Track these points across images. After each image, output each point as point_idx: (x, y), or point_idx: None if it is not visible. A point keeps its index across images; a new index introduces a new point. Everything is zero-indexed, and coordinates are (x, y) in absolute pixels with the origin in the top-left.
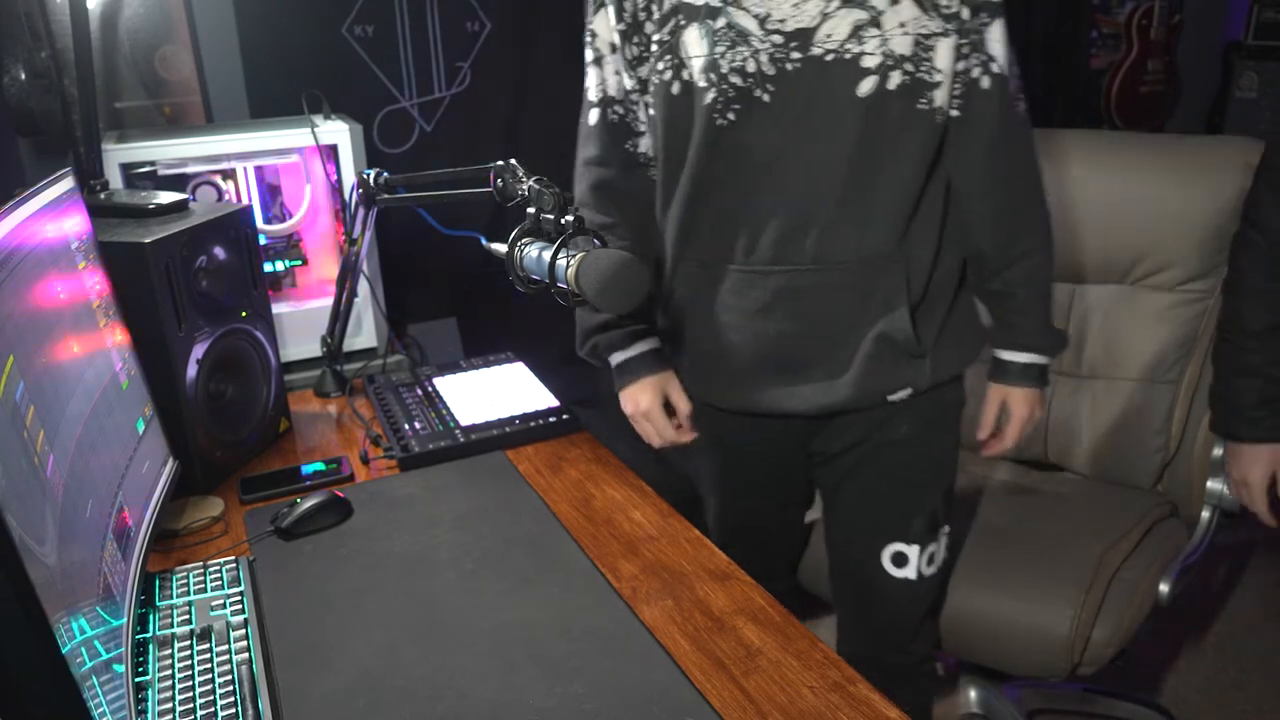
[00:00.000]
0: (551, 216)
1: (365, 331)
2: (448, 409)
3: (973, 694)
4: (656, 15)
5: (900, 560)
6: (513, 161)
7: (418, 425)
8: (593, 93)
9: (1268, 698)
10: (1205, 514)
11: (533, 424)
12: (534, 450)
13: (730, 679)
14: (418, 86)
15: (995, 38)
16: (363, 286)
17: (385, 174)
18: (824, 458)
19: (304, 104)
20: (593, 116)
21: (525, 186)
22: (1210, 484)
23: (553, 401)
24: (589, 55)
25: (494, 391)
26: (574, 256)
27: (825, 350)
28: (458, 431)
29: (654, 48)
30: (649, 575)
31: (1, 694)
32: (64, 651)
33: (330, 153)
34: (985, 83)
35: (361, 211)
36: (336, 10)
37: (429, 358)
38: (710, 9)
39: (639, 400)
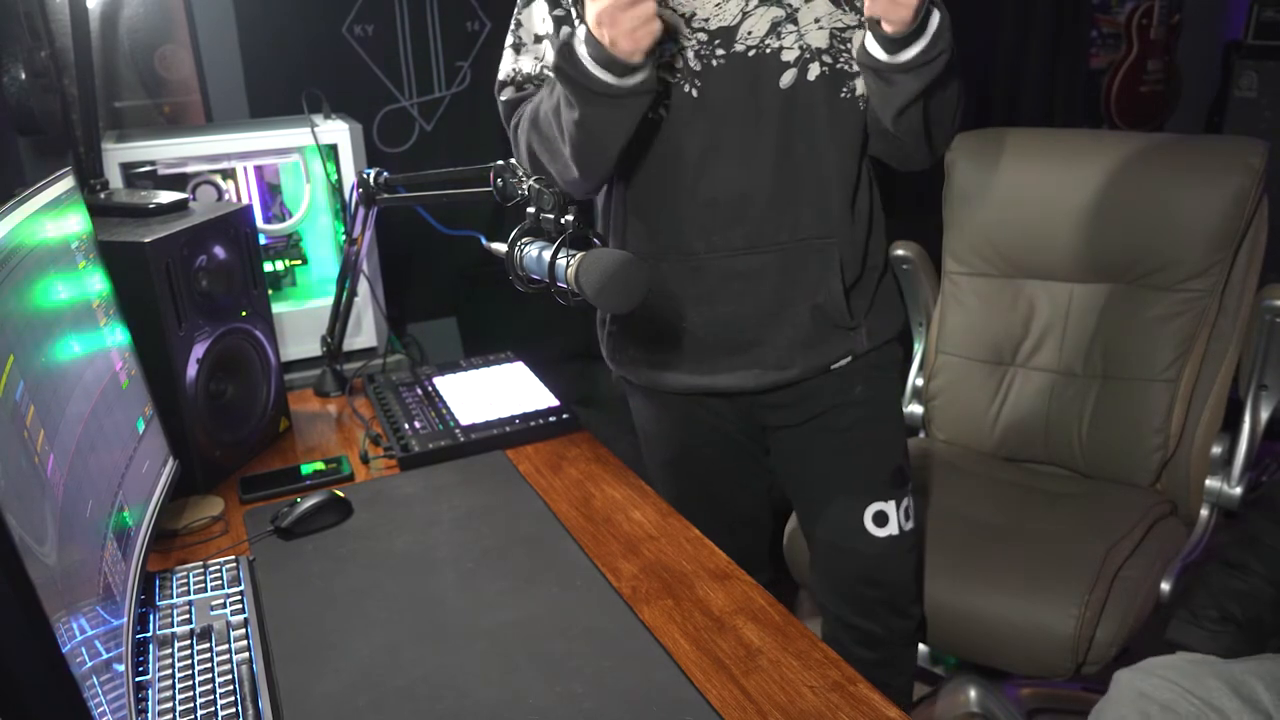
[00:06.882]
0: (551, 216)
1: (365, 331)
2: (448, 408)
3: (973, 694)
4: None
5: (881, 519)
6: (513, 161)
7: (418, 425)
8: (505, 73)
9: None
10: (1204, 512)
11: (533, 424)
12: (534, 450)
13: (730, 679)
14: (418, 86)
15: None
16: (363, 286)
17: (385, 174)
18: (780, 429)
19: (304, 104)
20: (506, 94)
21: (525, 186)
22: (1209, 482)
23: (553, 401)
24: (510, 40)
25: (494, 391)
26: (574, 256)
27: (770, 329)
28: (458, 431)
29: None
30: (649, 575)
31: (1, 694)
32: (64, 651)
33: (330, 152)
34: None
35: (361, 211)
36: (336, 10)
37: (429, 357)
38: None
39: None
